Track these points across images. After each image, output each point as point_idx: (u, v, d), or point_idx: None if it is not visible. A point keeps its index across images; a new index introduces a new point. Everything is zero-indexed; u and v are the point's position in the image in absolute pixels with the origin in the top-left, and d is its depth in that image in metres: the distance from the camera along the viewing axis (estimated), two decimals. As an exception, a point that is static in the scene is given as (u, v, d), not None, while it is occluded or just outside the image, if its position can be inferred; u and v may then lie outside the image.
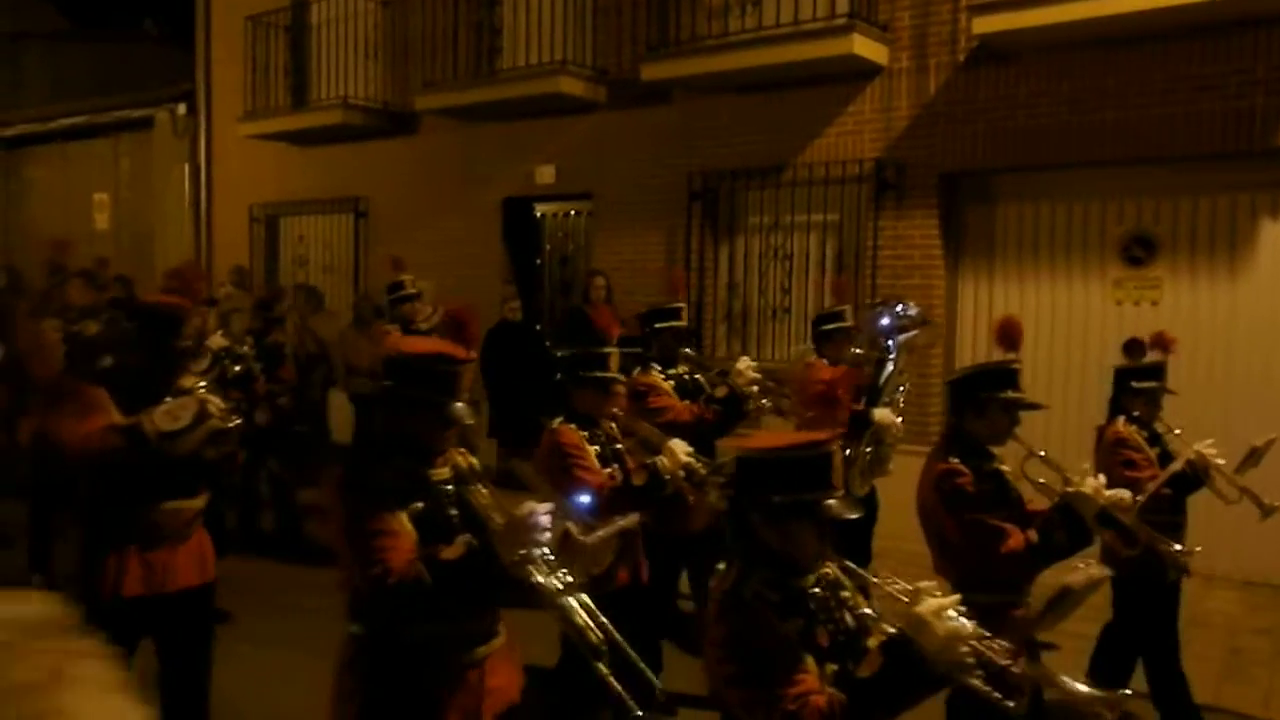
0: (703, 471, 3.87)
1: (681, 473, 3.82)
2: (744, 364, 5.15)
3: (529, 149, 10.25)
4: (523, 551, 2.56)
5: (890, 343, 5.63)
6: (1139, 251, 7.42)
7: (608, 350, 4.17)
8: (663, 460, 3.83)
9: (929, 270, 8.05)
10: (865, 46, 7.88)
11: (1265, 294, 7.01)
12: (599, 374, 4.12)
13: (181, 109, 13.75)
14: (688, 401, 5.20)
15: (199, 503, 3.87)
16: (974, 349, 8.01)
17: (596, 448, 4.08)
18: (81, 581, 3.69)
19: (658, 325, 5.45)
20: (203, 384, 3.86)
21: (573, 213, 10.53)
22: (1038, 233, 7.84)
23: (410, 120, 11.09)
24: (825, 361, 5.68)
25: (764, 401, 5.17)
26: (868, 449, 5.41)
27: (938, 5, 7.87)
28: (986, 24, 7.20)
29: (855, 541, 5.28)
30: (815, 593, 2.44)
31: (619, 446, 4.22)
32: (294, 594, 6.21)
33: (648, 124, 9.42)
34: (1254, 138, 6.75)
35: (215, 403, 3.70)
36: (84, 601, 3.64)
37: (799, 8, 8.04)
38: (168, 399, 3.62)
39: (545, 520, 2.58)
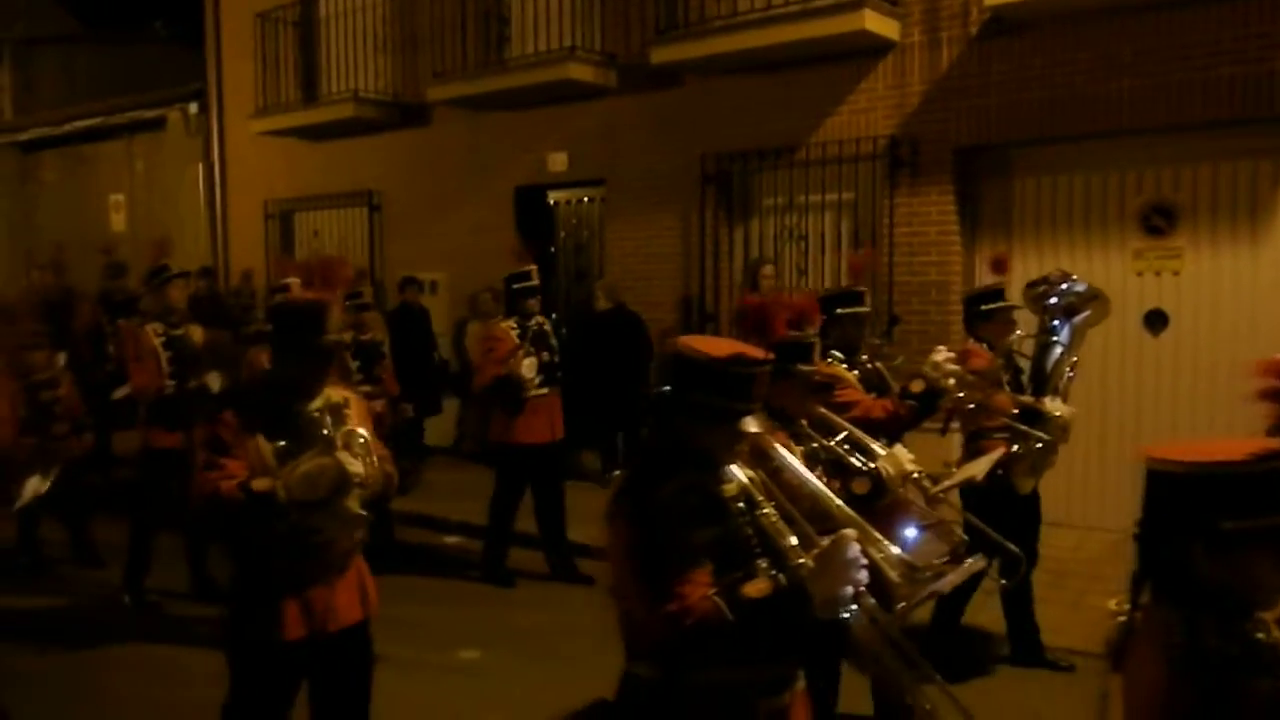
0: (927, 483, 3.37)
1: (902, 484, 3.33)
2: (941, 355, 4.63)
3: (540, 137, 10.23)
4: (839, 591, 2.26)
5: (1057, 323, 5.06)
6: (1159, 221, 7.33)
7: (811, 339, 3.65)
8: (886, 467, 3.36)
9: (945, 246, 7.98)
10: (876, 22, 7.81)
11: (1289, 260, 6.93)
12: (803, 366, 3.55)
13: (193, 108, 13.81)
14: (874, 395, 4.73)
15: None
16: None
17: (801, 448, 3.56)
18: (236, 626, 3.43)
19: (839, 311, 4.87)
20: (357, 431, 3.43)
21: (585, 199, 10.51)
22: (1055, 205, 7.76)
23: (421, 112, 11.09)
24: (985, 346, 5.17)
25: (960, 395, 4.68)
26: (1037, 444, 4.87)
27: (948, -22, 7.80)
28: (999, -5, 7.13)
29: (1024, 536, 4.82)
30: (1260, 638, 2.00)
31: (815, 445, 3.71)
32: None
33: (659, 107, 9.38)
34: (1274, 102, 6.64)
35: (357, 469, 3.31)
36: (239, 647, 3.43)
37: (808, -15, 7.99)
38: (309, 458, 3.26)
39: (861, 554, 2.27)
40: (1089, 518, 7.27)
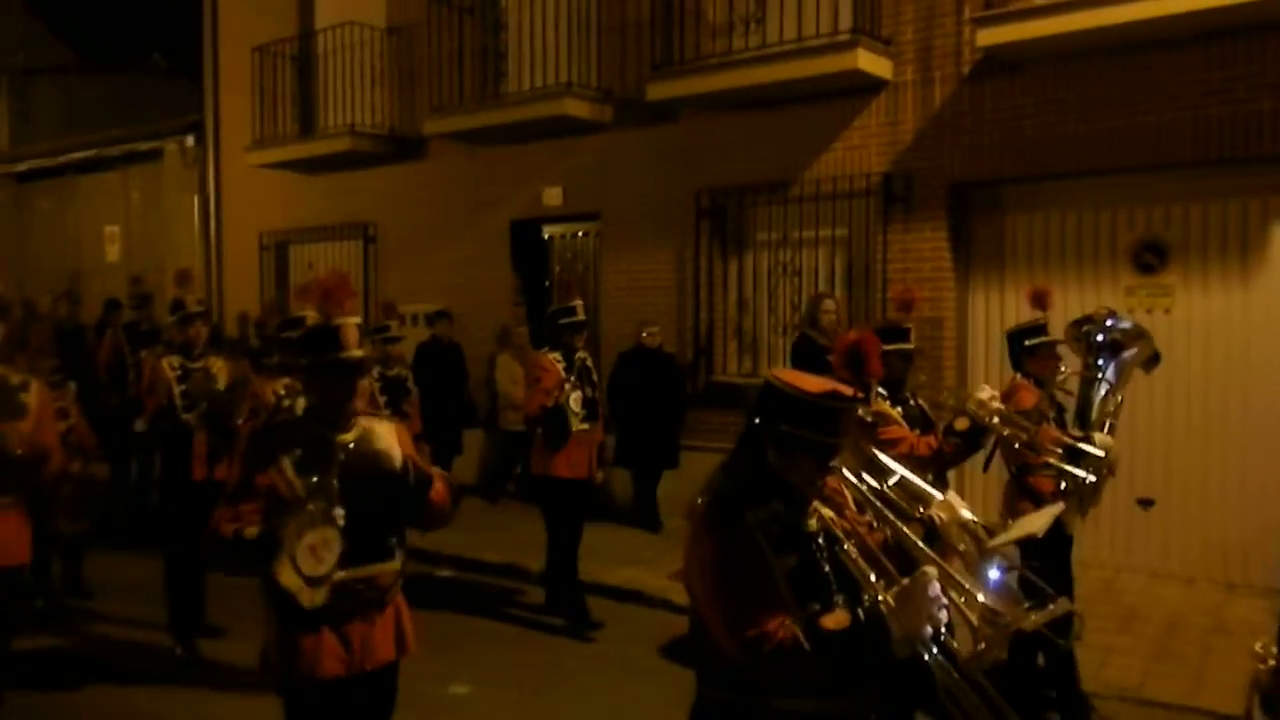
0: (983, 535, 3.25)
1: (956, 533, 3.26)
2: (986, 394, 4.64)
3: (536, 171, 10.29)
4: (918, 628, 2.28)
5: (1101, 361, 5.05)
6: (1151, 258, 7.38)
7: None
8: (939, 514, 3.27)
9: (939, 283, 8.02)
10: (870, 61, 7.89)
11: (1278, 298, 6.96)
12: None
13: (190, 140, 13.86)
14: (918, 432, 4.75)
15: (395, 564, 3.49)
16: (986, 362, 7.97)
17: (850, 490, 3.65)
18: (277, 662, 3.34)
19: (885, 347, 4.73)
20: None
21: (581, 234, 10.55)
22: (1048, 242, 7.82)
23: (418, 145, 11.15)
24: (1031, 382, 5.16)
25: (1005, 433, 4.69)
26: (1081, 479, 4.83)
27: (941, 18, 7.89)
28: (991, 36, 7.22)
29: (1057, 576, 4.69)
30: None
31: (865, 488, 3.61)
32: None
33: (654, 143, 9.44)
34: (1263, 141, 6.72)
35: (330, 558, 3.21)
36: (281, 684, 3.36)
37: (802, 24, 8.07)
38: (301, 519, 3.17)
39: (941, 593, 2.30)
40: (1083, 555, 7.17)
